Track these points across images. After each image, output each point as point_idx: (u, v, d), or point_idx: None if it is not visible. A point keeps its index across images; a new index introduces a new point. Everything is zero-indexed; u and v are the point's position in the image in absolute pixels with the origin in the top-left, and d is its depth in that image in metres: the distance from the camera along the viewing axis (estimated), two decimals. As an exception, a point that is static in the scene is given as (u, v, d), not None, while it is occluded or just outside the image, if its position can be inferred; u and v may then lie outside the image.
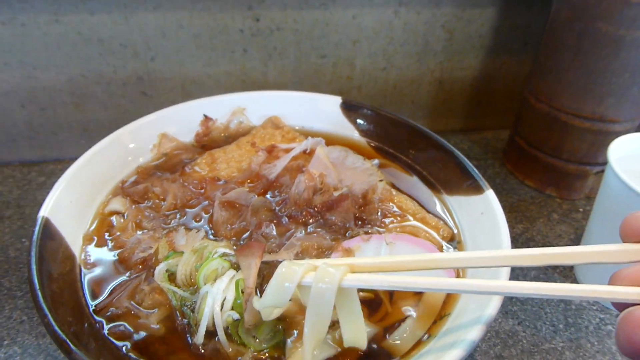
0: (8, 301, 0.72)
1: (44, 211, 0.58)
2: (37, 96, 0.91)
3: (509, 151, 1.01)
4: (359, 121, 0.82)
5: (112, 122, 0.95)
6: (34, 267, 0.51)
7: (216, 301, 0.50)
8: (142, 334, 0.52)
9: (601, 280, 0.70)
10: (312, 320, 0.46)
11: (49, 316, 0.46)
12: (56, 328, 0.45)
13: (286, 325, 0.53)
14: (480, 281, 0.44)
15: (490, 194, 0.64)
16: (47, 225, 0.56)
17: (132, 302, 0.54)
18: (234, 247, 0.58)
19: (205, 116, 0.79)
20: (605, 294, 0.38)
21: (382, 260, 0.47)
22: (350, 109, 0.82)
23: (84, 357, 0.43)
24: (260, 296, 0.54)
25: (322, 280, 0.45)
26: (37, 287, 0.49)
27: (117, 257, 0.60)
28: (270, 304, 0.48)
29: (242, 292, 0.51)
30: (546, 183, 0.94)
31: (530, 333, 0.70)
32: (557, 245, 0.84)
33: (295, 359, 0.49)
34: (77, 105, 0.93)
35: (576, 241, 0.84)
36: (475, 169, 0.68)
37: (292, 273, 0.46)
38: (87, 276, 0.58)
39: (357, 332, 0.49)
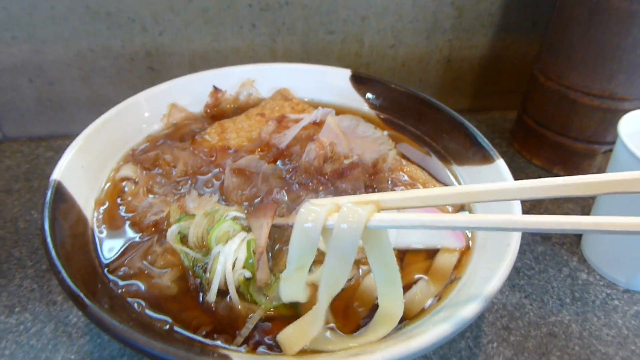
0: (18, 270, 0.72)
1: (56, 174, 0.58)
2: (45, 70, 0.91)
3: (516, 130, 1.01)
4: (369, 94, 0.81)
5: (120, 97, 0.93)
6: (46, 226, 0.51)
7: (228, 260, 0.51)
8: (156, 292, 0.52)
9: (610, 260, 0.71)
10: (332, 266, 0.43)
11: (63, 272, 0.47)
12: (70, 283, 0.46)
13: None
14: (503, 216, 0.41)
15: (500, 163, 0.64)
16: (59, 188, 0.57)
17: (145, 263, 0.54)
18: (245, 212, 0.58)
19: (215, 87, 0.79)
20: (629, 226, 0.36)
21: (409, 194, 0.44)
22: (359, 81, 0.82)
23: (99, 311, 0.43)
24: (271, 258, 0.54)
25: (346, 220, 0.41)
26: (51, 245, 0.49)
27: (129, 220, 0.60)
28: (297, 259, 0.45)
29: (254, 253, 0.52)
30: (553, 162, 0.94)
31: (537, 306, 0.70)
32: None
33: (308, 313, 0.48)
34: (85, 80, 0.93)
35: (584, 219, 0.84)
36: (485, 139, 0.67)
37: (312, 213, 0.43)
38: (99, 238, 0.58)
39: (392, 281, 0.47)
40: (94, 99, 0.96)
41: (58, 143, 0.96)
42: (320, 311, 0.45)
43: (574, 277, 0.74)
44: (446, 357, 0.64)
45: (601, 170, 0.91)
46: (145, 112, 0.73)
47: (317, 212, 0.42)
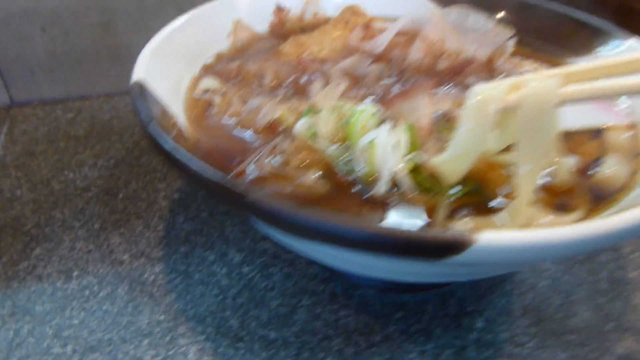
0: (66, 232, 0.60)
1: (137, 76, 0.46)
2: (61, 16, 0.78)
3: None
4: (449, 3, 0.72)
5: (144, 46, 0.83)
6: (151, 126, 0.39)
7: (388, 147, 0.40)
8: (304, 193, 0.41)
9: None
10: (526, 150, 0.37)
11: (194, 166, 0.35)
12: (209, 175, 0.34)
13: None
14: None
15: (633, 42, 0.56)
16: (144, 90, 0.44)
17: (277, 163, 0.43)
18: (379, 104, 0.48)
19: (278, 6, 0.69)
20: None
21: (601, 63, 0.38)
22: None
23: (261, 195, 0.32)
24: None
25: (536, 94, 0.36)
26: (166, 142, 0.38)
27: (237, 124, 0.48)
28: (465, 143, 0.38)
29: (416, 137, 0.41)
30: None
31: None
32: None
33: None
34: (106, 27, 0.81)
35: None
36: (604, 20, 0.60)
37: (494, 94, 0.37)
38: (205, 145, 0.46)
39: None
40: (115, 51, 0.83)
41: (77, 105, 0.83)
42: (522, 208, 0.38)
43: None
44: (594, 271, 0.56)
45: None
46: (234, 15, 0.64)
47: (494, 92, 0.37)
